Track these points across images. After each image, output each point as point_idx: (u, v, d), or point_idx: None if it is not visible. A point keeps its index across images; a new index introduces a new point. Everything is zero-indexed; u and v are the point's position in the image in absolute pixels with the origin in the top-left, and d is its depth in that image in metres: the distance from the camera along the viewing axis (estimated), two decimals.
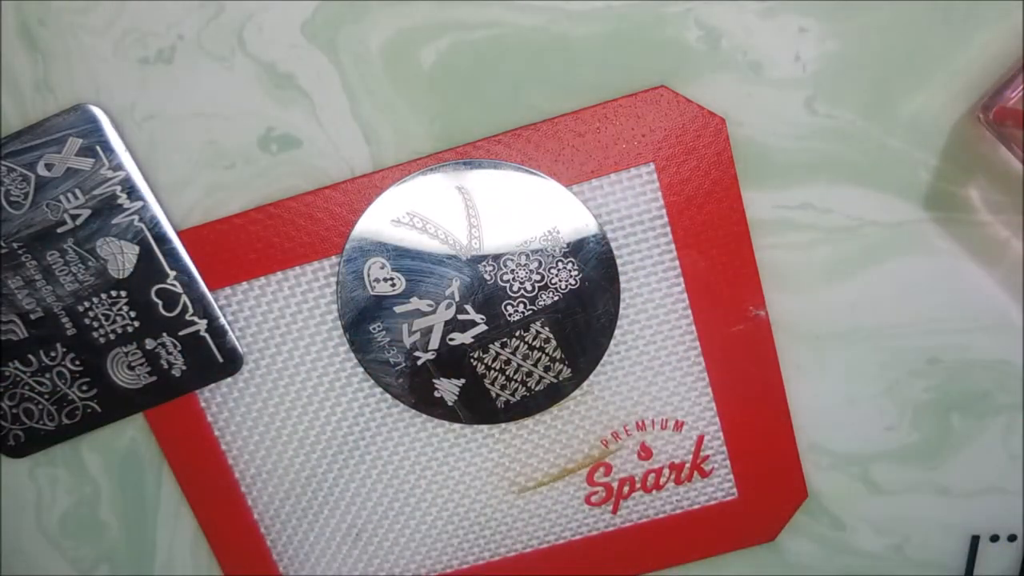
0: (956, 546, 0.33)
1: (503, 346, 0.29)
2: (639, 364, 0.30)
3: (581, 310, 0.29)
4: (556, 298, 0.29)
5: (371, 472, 0.31)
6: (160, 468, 0.32)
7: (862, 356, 0.30)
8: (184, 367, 0.29)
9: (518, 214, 0.28)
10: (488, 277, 0.28)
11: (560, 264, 0.28)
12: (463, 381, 0.29)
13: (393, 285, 0.29)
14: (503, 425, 0.30)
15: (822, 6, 0.27)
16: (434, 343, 0.29)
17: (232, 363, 0.30)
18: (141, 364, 0.30)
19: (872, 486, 0.32)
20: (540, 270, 0.28)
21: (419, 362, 0.29)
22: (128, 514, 0.32)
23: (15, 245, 0.28)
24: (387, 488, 0.31)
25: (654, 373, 0.30)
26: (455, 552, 0.32)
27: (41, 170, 0.28)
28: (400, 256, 0.28)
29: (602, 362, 0.29)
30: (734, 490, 0.31)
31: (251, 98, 0.28)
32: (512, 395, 0.30)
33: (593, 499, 0.31)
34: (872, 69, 0.28)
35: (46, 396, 0.30)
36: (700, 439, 0.31)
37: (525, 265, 0.28)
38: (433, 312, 0.29)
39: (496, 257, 0.28)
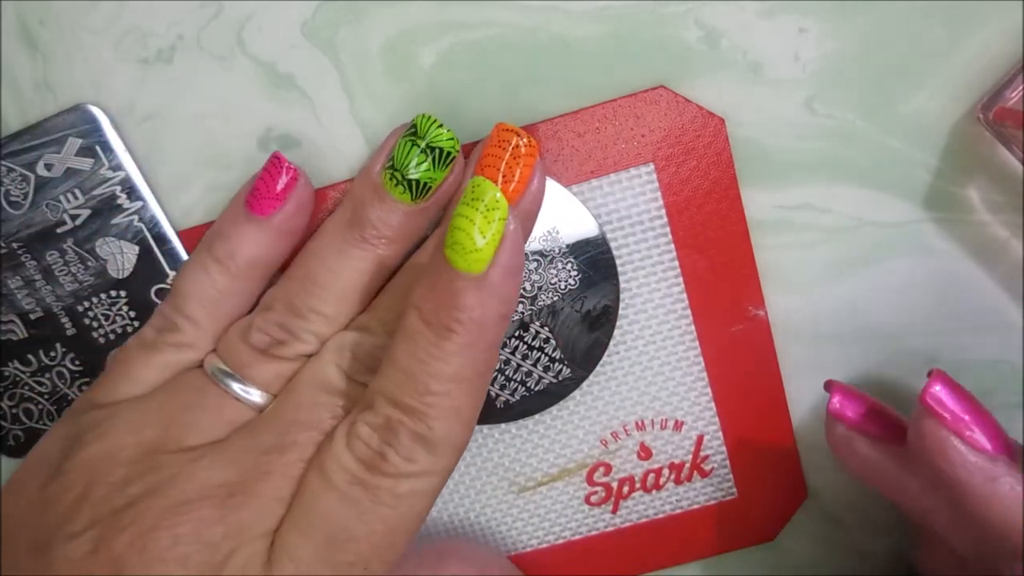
0: None
1: (503, 346, 0.29)
2: (638, 364, 0.30)
3: (580, 310, 0.29)
4: (555, 298, 0.29)
5: None
6: None
7: (862, 356, 0.30)
8: None
9: None
10: None
11: (559, 264, 0.28)
12: None
13: None
14: (502, 425, 0.30)
15: (822, 6, 0.27)
16: None
17: None
18: None
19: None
20: (539, 270, 0.28)
21: None
22: None
23: (15, 245, 0.28)
24: None
25: (653, 373, 0.30)
26: None
27: (41, 170, 0.28)
28: None
29: (601, 362, 0.29)
30: (734, 490, 0.31)
31: (251, 98, 0.28)
32: (512, 395, 0.30)
33: (593, 499, 0.31)
34: (872, 69, 0.28)
35: (46, 396, 0.30)
36: (700, 439, 0.31)
37: (524, 265, 0.28)
38: None
39: None
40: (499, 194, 0.21)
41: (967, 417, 0.24)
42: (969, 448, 0.24)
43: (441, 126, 0.25)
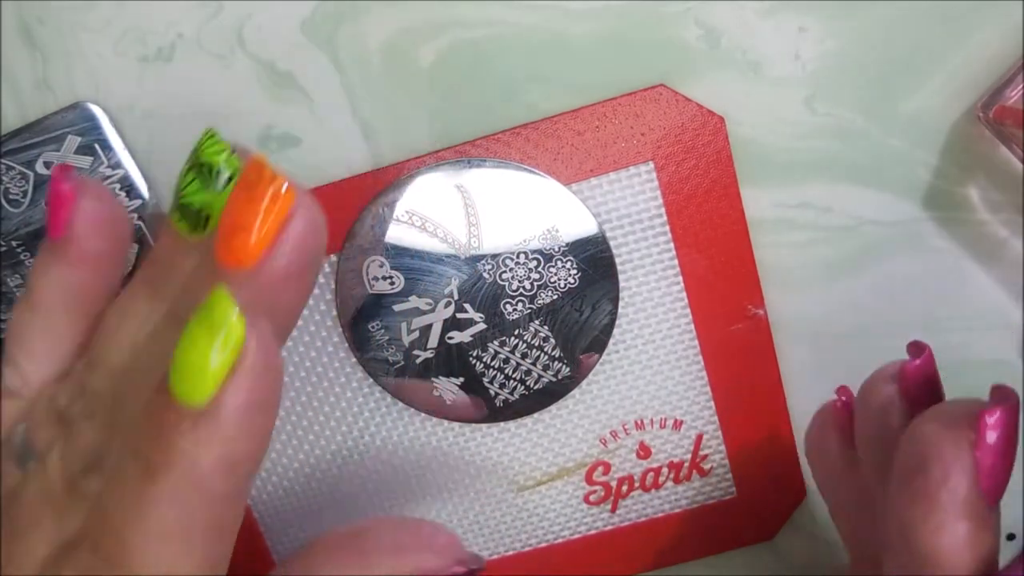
0: None
1: (502, 345, 0.29)
2: (638, 363, 0.30)
3: (580, 309, 0.29)
4: (555, 297, 0.29)
5: (371, 472, 0.31)
6: None
7: (862, 356, 0.30)
8: None
9: (517, 213, 0.28)
10: (487, 276, 0.28)
11: (559, 263, 0.28)
12: (462, 380, 0.29)
13: (392, 284, 0.29)
14: (502, 424, 0.30)
15: (822, 6, 0.27)
16: (433, 342, 0.29)
17: None
18: None
19: None
20: (539, 269, 0.28)
21: (418, 360, 0.29)
22: None
23: (14, 243, 0.28)
24: (387, 488, 0.31)
25: (653, 372, 0.30)
26: None
27: (40, 168, 0.28)
28: (399, 255, 0.28)
29: (601, 361, 0.29)
30: (732, 489, 0.31)
31: (250, 96, 0.28)
32: (511, 394, 0.30)
33: (592, 498, 0.31)
34: (872, 69, 0.28)
35: None
36: (699, 438, 0.31)
37: (524, 264, 0.28)
38: (432, 311, 0.29)
39: (495, 256, 0.28)
40: (236, 314, 0.17)
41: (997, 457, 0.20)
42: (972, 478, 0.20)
43: (213, 137, 0.19)
